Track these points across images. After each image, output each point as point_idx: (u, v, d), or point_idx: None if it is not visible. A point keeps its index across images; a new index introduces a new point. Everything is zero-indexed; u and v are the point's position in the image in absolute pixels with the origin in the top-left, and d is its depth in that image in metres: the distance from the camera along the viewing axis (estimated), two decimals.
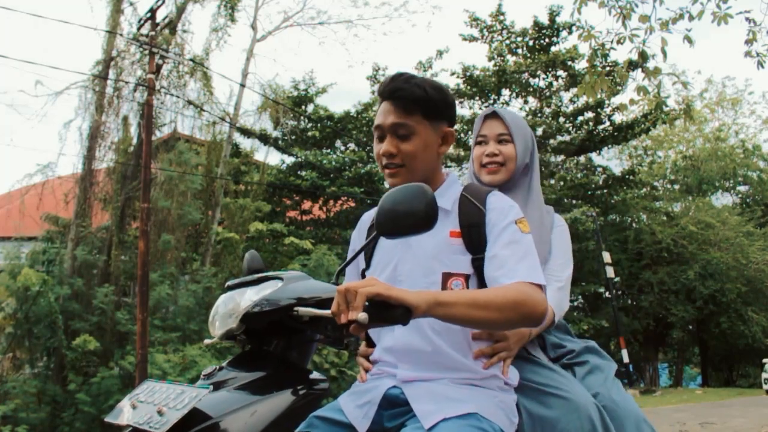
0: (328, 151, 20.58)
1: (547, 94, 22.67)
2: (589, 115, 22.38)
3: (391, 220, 1.26)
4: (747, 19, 5.39)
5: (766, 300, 24.85)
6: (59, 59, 30.60)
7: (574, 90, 21.46)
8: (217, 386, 1.23)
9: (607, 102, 21.80)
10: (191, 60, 15.37)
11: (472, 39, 22.35)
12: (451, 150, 16.04)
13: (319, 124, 20.16)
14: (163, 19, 13.66)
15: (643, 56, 5.08)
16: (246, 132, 18.70)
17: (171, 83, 15.11)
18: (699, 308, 23.93)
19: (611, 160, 28.98)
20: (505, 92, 22.73)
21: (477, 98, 22.54)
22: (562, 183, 23.35)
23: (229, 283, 1.39)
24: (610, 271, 20.05)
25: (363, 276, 1.59)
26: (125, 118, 14.57)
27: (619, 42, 5.15)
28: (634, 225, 25.62)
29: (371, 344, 1.60)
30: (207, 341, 1.54)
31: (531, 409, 1.54)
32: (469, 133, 20.65)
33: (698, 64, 57.73)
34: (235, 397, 1.20)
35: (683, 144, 30.13)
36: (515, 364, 1.56)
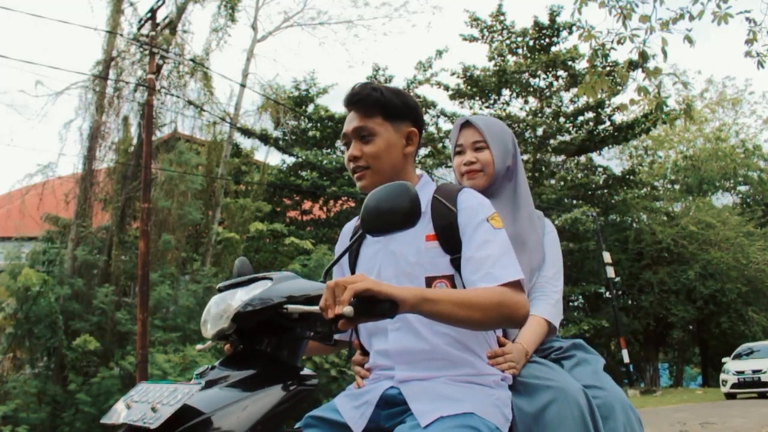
0: (329, 151, 20.58)
1: (548, 94, 22.66)
2: (590, 115, 22.35)
3: (376, 218, 1.28)
4: (747, 19, 5.41)
5: (767, 300, 24.84)
6: (59, 59, 30.66)
7: (574, 90, 21.43)
8: (210, 384, 1.25)
9: (607, 102, 21.78)
10: (191, 60, 15.38)
11: (473, 39, 22.32)
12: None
13: (319, 124, 20.17)
14: (164, 20, 13.66)
15: (644, 56, 5.09)
16: (246, 132, 18.70)
17: (171, 83, 15.11)
18: (699, 308, 23.91)
19: (611, 160, 29.02)
20: (506, 92, 22.71)
21: (477, 98, 22.52)
22: (562, 183, 23.36)
23: (219, 285, 1.42)
24: (610, 271, 20.05)
25: None
26: (125, 119, 14.58)
27: (619, 42, 5.16)
28: (634, 225, 25.60)
29: (366, 353, 1.61)
30: (199, 347, 1.58)
31: (519, 403, 1.55)
32: None
33: (698, 64, 57.74)
34: (226, 393, 1.23)
35: (684, 144, 30.14)
36: None
